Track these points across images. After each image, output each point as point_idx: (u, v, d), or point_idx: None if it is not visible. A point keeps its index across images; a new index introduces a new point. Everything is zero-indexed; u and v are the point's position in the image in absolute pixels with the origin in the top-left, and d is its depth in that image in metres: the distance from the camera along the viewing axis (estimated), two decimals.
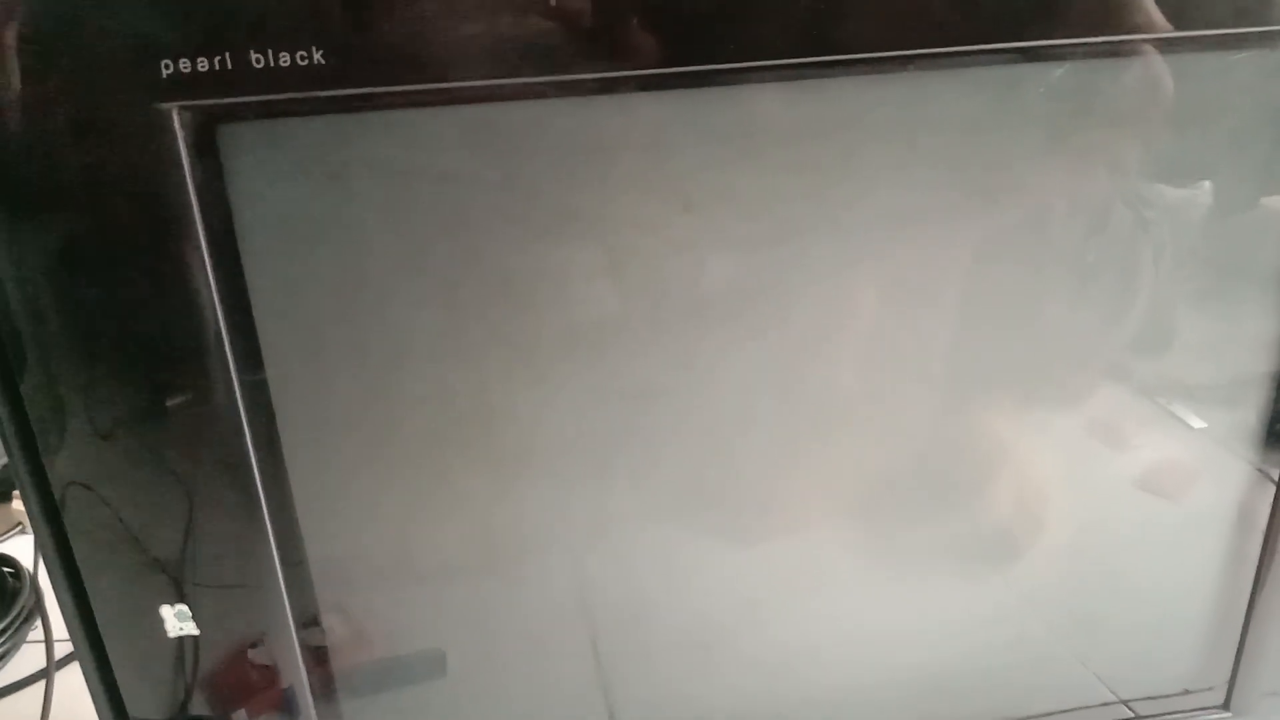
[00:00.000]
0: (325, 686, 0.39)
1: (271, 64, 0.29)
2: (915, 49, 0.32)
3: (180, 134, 0.29)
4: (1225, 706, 0.48)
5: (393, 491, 0.38)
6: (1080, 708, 0.48)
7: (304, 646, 0.37)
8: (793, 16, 0.31)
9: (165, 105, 0.29)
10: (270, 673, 0.38)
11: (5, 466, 0.34)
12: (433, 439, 0.38)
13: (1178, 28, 0.34)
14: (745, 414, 0.40)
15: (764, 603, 0.44)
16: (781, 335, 0.39)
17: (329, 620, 0.38)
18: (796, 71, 0.32)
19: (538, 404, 0.38)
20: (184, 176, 0.30)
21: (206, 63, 0.29)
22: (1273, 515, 0.44)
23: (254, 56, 0.29)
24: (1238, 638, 0.46)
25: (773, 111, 0.34)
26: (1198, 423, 0.44)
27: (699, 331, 0.38)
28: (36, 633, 0.64)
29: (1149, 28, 0.34)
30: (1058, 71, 0.35)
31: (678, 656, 0.44)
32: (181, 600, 0.36)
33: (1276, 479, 0.43)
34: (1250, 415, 0.43)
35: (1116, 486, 0.45)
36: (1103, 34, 0.34)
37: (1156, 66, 0.36)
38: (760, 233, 0.37)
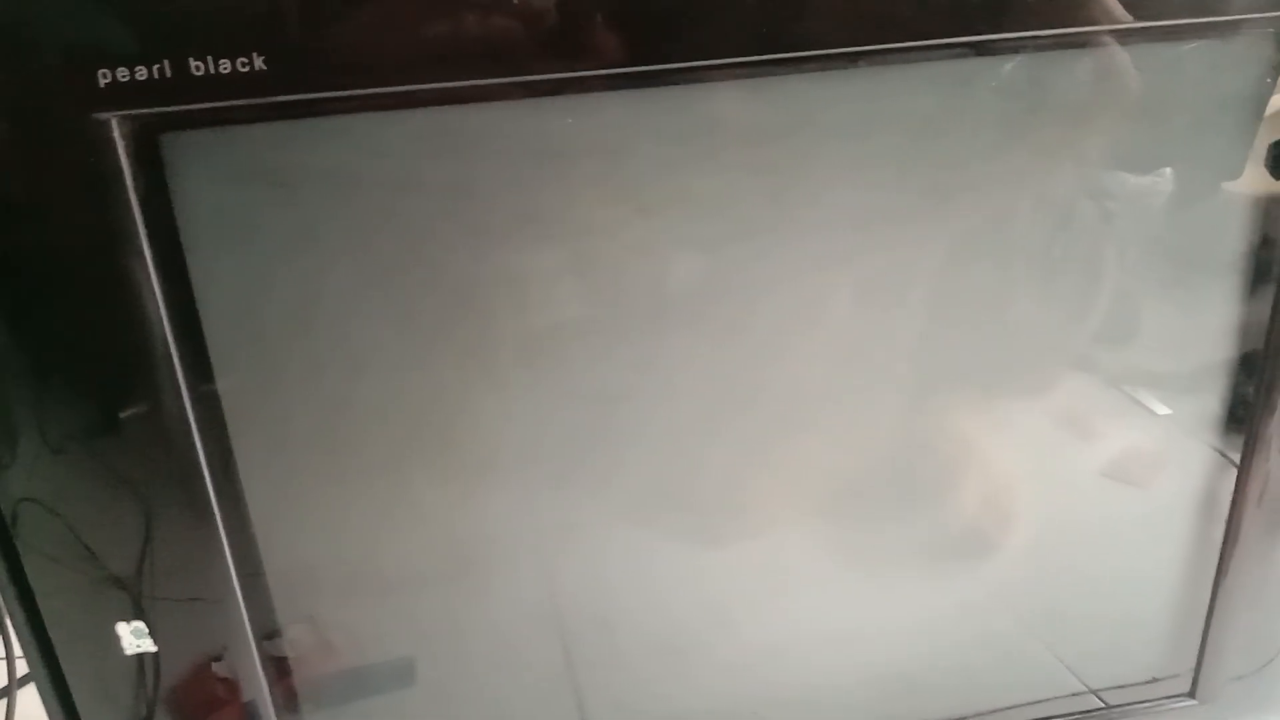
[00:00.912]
0: (288, 699, 0.39)
1: (212, 71, 0.28)
2: (867, 45, 0.32)
3: (120, 144, 0.29)
4: (1191, 694, 0.48)
5: (352, 500, 0.38)
6: (1051, 698, 0.48)
7: (265, 659, 0.37)
8: (745, 15, 0.31)
9: (104, 115, 0.28)
10: (232, 687, 0.37)
11: None
12: (391, 447, 0.37)
13: (1133, 19, 0.34)
14: (710, 416, 0.40)
15: (734, 604, 0.44)
16: (744, 336, 0.39)
17: (291, 631, 0.38)
18: (750, 70, 0.32)
19: (499, 410, 0.37)
20: (125, 187, 0.29)
21: (145, 71, 0.28)
22: (1235, 499, 0.44)
23: (194, 64, 0.28)
24: (1202, 625, 0.47)
25: (728, 111, 0.34)
26: (1162, 409, 0.44)
27: (661, 334, 0.38)
28: None
29: (1104, 20, 0.34)
30: (1008, 65, 0.35)
31: (649, 660, 0.44)
32: (138, 617, 0.35)
33: (1238, 463, 0.44)
34: (1213, 401, 0.44)
35: (1084, 476, 0.45)
36: (1056, 27, 0.33)
37: (1112, 58, 0.36)
38: (719, 233, 0.36)
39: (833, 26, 0.32)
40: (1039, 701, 0.48)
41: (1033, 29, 0.33)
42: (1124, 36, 0.35)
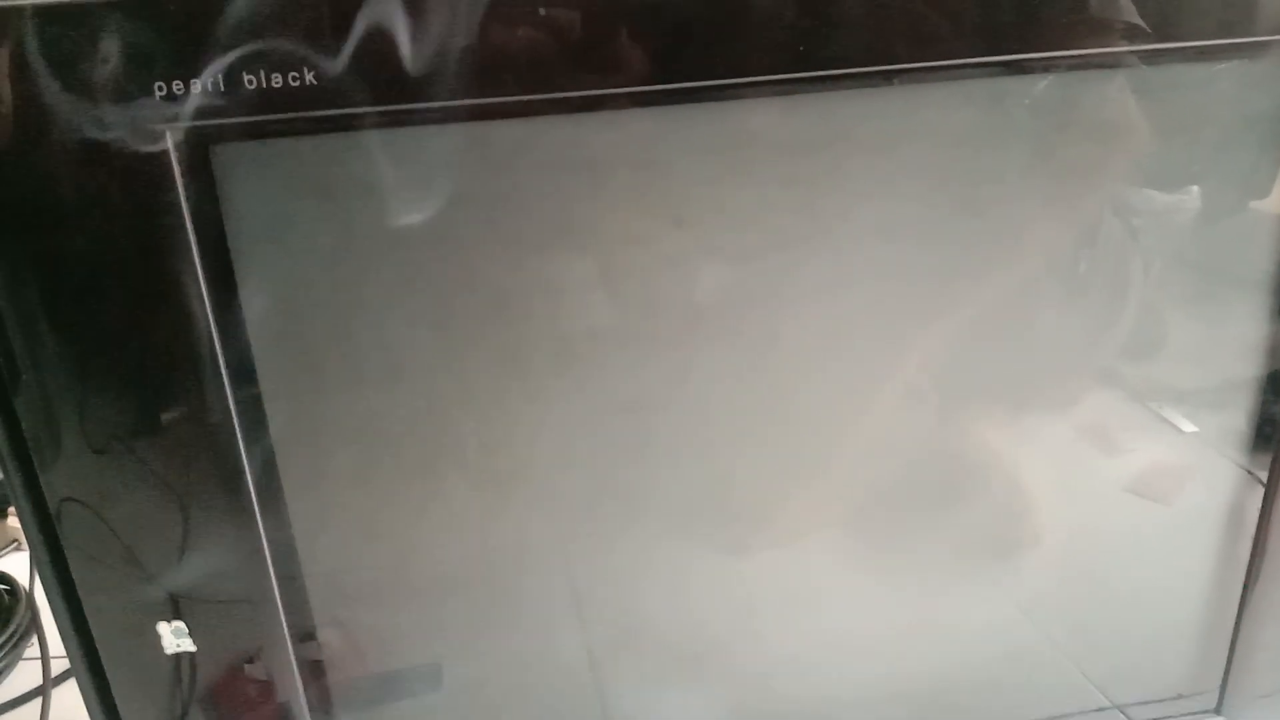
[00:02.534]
0: (321, 701, 0.39)
1: (264, 85, 0.29)
2: (901, 63, 0.33)
3: (174, 154, 0.30)
4: (1218, 711, 0.48)
5: (388, 506, 0.38)
6: (1076, 713, 0.48)
7: (300, 661, 0.38)
8: (782, 33, 0.32)
9: (159, 126, 0.29)
10: (267, 688, 0.38)
11: (1, 483, 0.34)
12: (428, 454, 0.38)
13: (1162, 40, 0.34)
14: (739, 426, 0.40)
15: (759, 614, 0.44)
16: (774, 347, 0.39)
17: (325, 635, 0.39)
18: (785, 87, 0.33)
19: (532, 419, 0.38)
20: (178, 196, 0.30)
21: (200, 84, 0.29)
22: (1262, 517, 0.44)
23: (246, 78, 0.29)
24: (1229, 642, 0.46)
25: (763, 126, 0.35)
26: (1188, 426, 0.44)
27: (693, 345, 0.38)
28: (32, 649, 0.64)
29: (1133, 40, 0.34)
30: (1042, 84, 0.35)
31: (674, 668, 0.44)
32: (178, 617, 0.36)
33: (1265, 481, 0.44)
34: (1239, 418, 0.44)
35: (1109, 491, 0.45)
36: (1087, 47, 0.34)
37: (1141, 78, 0.36)
38: (752, 246, 0.37)
39: (868, 45, 0.32)
40: (1064, 716, 0.48)
41: (1063, 49, 0.34)
42: (1153, 57, 0.35)
